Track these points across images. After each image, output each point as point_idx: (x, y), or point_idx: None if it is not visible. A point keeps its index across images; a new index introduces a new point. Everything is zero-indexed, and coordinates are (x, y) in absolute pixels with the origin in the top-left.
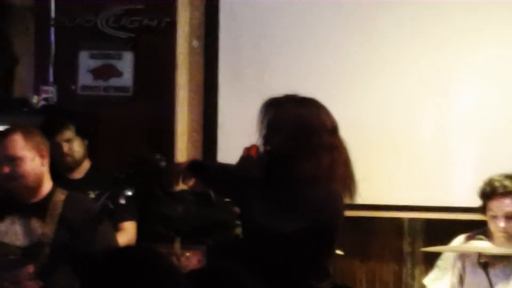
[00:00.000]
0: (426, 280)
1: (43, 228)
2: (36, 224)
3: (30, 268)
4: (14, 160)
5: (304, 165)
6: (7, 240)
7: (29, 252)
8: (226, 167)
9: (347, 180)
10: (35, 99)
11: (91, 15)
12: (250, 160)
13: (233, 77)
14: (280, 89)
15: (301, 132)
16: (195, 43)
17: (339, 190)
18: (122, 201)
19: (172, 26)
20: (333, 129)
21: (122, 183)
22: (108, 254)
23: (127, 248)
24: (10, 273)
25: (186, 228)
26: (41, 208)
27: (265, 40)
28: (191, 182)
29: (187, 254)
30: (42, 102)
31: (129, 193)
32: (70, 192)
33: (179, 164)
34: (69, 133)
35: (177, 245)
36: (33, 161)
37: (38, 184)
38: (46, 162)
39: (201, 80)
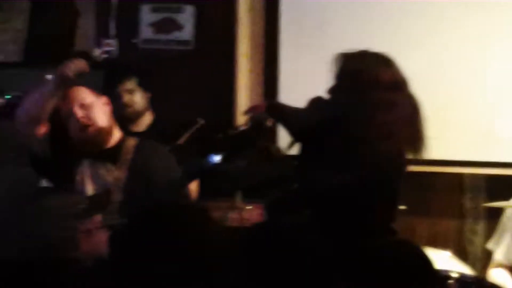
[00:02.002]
0: (490, 245)
1: (115, 173)
2: (109, 169)
3: (98, 218)
4: (85, 107)
5: (358, 121)
6: (79, 187)
7: (98, 200)
8: (300, 111)
9: (410, 138)
10: (96, 52)
11: None
12: (313, 111)
13: (295, 30)
14: (342, 43)
15: (356, 88)
16: None
17: (398, 147)
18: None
19: None
20: (395, 85)
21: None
22: (152, 209)
23: (172, 204)
24: (80, 223)
25: (247, 183)
26: (114, 154)
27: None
28: (270, 123)
29: (248, 207)
30: (104, 55)
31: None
32: (141, 138)
33: (257, 106)
34: (130, 84)
35: (238, 199)
36: (102, 107)
37: (110, 129)
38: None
39: (262, 33)
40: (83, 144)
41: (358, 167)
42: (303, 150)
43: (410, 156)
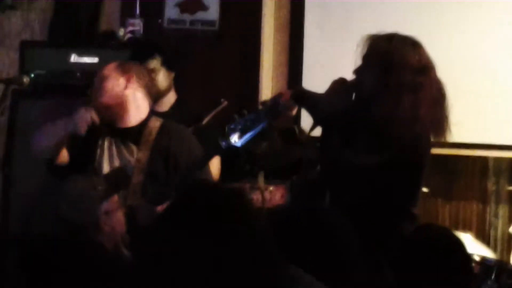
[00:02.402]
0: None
1: (138, 154)
2: (131, 149)
3: (115, 198)
4: (101, 78)
5: (382, 103)
6: (99, 168)
7: (113, 180)
8: (326, 97)
9: (434, 121)
10: (121, 32)
11: None
12: (338, 96)
13: (320, 11)
14: (367, 26)
15: (382, 70)
16: None
17: (421, 130)
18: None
19: None
20: (422, 68)
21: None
22: (184, 191)
23: (203, 185)
24: (100, 205)
25: (270, 164)
26: (136, 134)
27: None
28: (294, 111)
29: (271, 188)
30: (129, 35)
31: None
32: (165, 120)
33: (283, 94)
34: (154, 63)
35: (261, 180)
36: (115, 81)
37: (119, 105)
38: (132, 88)
39: (287, 14)
40: (105, 122)
41: (382, 149)
42: (326, 132)
43: (433, 139)
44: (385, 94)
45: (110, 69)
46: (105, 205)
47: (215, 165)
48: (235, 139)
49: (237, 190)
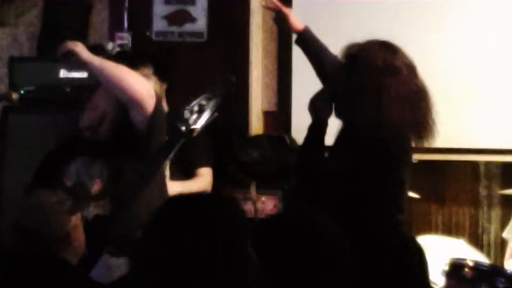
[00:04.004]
0: (505, 233)
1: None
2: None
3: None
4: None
5: (346, 106)
6: (76, 182)
7: (75, 192)
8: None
9: (414, 123)
10: (110, 46)
11: None
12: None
13: (307, 21)
14: (355, 34)
15: (348, 72)
16: None
17: (388, 132)
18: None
19: None
20: (387, 69)
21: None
22: (173, 201)
23: (193, 195)
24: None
25: (262, 173)
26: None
27: None
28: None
29: (263, 198)
30: (117, 49)
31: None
32: None
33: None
34: (146, 70)
35: (252, 190)
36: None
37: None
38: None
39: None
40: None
41: (350, 152)
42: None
43: (418, 143)
44: (349, 96)
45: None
46: (73, 219)
47: (207, 176)
48: (193, 121)
49: (228, 198)
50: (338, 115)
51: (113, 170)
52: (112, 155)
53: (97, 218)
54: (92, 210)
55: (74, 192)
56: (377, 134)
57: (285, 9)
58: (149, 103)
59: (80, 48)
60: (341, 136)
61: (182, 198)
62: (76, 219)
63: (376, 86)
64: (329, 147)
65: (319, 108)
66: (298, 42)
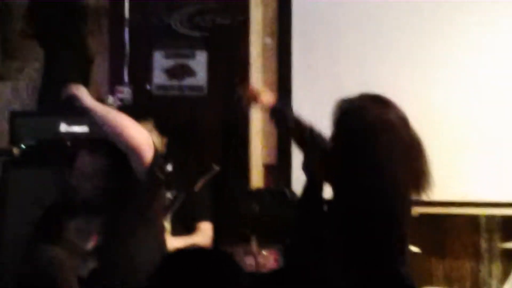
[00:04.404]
0: (506, 287)
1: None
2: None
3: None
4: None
5: (348, 163)
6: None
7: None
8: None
9: (409, 176)
10: (110, 100)
11: (164, 15)
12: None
13: (307, 75)
14: (354, 87)
15: (340, 134)
16: (268, 40)
17: (392, 185)
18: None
19: (245, 24)
20: (383, 125)
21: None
22: (173, 256)
23: (192, 250)
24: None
25: (262, 227)
26: None
27: (338, 37)
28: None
29: (264, 252)
30: (118, 103)
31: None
32: None
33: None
34: (147, 125)
35: (253, 244)
36: None
37: None
38: None
39: (274, 78)
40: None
41: (355, 210)
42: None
43: (417, 196)
44: (348, 154)
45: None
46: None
47: (208, 231)
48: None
49: (225, 254)
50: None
51: (109, 226)
52: (108, 211)
53: (94, 273)
54: (88, 265)
55: (72, 249)
56: (376, 190)
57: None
58: (148, 152)
59: (83, 93)
60: (338, 196)
61: (180, 254)
62: (72, 275)
63: (371, 143)
64: (328, 201)
65: (312, 171)
66: (271, 115)
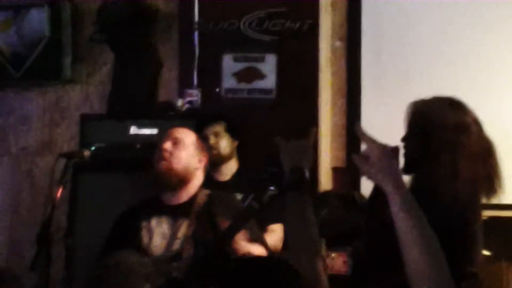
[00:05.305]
0: None
1: (184, 229)
2: (178, 225)
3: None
4: (178, 142)
5: (424, 165)
6: (145, 242)
7: (159, 266)
8: None
9: (479, 178)
10: (180, 103)
11: (234, 19)
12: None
13: (376, 79)
14: (423, 91)
15: (421, 134)
16: (338, 44)
17: (462, 187)
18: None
19: (314, 28)
20: (460, 127)
21: (266, 182)
22: (236, 264)
23: (253, 259)
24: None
25: (330, 231)
26: (186, 209)
27: (408, 40)
28: None
29: (333, 255)
30: (187, 106)
31: (272, 191)
32: (213, 191)
33: None
34: (218, 127)
35: (322, 247)
36: (192, 151)
37: (187, 177)
38: (203, 167)
39: (344, 81)
40: (157, 179)
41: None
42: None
43: (485, 199)
44: (427, 155)
45: (188, 140)
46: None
47: (279, 232)
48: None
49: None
50: (408, 173)
51: (194, 232)
52: (192, 217)
53: (169, 282)
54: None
55: (160, 264)
56: (452, 192)
57: None
58: None
59: None
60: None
61: (243, 262)
62: (142, 283)
63: (450, 145)
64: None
65: None
66: None
